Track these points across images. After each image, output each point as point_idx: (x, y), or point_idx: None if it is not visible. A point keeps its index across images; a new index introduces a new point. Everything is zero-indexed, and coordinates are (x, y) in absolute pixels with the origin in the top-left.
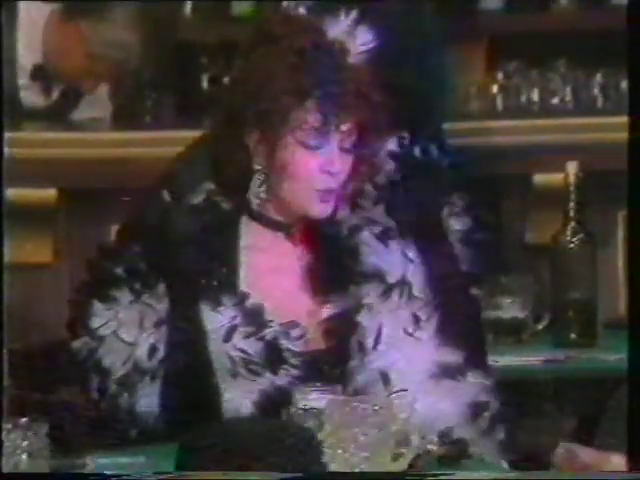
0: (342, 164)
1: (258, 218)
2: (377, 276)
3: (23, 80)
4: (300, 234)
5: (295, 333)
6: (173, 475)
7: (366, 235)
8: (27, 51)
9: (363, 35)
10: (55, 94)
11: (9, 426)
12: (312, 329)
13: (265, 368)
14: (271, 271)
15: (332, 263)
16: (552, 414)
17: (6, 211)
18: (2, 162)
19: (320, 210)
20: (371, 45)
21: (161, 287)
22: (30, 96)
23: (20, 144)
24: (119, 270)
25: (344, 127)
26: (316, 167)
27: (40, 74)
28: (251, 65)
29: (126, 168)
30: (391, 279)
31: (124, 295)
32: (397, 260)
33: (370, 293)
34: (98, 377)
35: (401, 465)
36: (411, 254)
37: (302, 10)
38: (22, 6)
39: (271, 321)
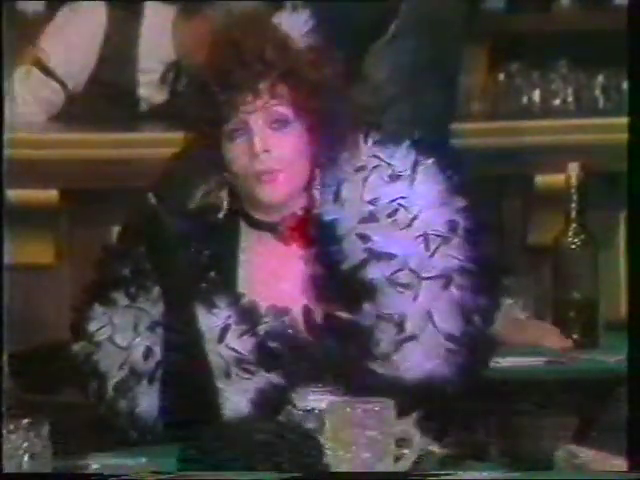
0: (273, 143)
1: (246, 219)
2: (392, 320)
3: (146, 79)
4: (289, 233)
5: (288, 331)
6: (174, 475)
7: (378, 275)
8: (154, 52)
9: (302, 18)
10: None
11: (11, 427)
12: (312, 333)
13: (258, 366)
14: (265, 273)
15: (343, 283)
16: (553, 415)
17: (7, 212)
18: (2, 163)
19: (266, 192)
20: (311, 25)
21: (155, 290)
22: (155, 95)
23: (21, 145)
24: (123, 271)
25: (258, 105)
26: (243, 151)
27: (172, 71)
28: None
29: (128, 169)
30: (409, 327)
31: (122, 298)
32: (418, 309)
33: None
34: (96, 381)
35: (403, 466)
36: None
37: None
38: (148, 9)
39: (265, 317)
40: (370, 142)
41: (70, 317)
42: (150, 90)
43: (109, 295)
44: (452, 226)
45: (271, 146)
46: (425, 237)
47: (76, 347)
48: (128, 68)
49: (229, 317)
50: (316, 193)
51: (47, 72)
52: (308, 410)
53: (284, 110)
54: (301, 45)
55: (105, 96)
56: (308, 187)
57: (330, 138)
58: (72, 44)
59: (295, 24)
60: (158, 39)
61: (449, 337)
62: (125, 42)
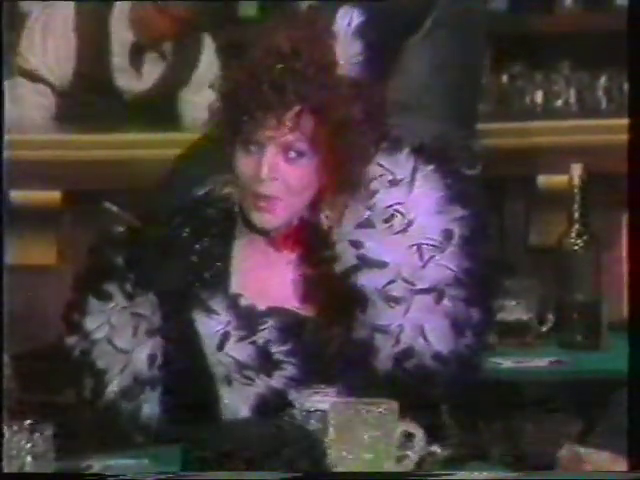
0: (281, 172)
1: (242, 221)
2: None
3: (121, 70)
4: (283, 239)
5: (286, 335)
6: (176, 476)
7: (369, 285)
8: (120, 35)
9: (357, 47)
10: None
11: (14, 428)
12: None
13: (258, 372)
14: (257, 278)
15: (334, 288)
16: (556, 416)
17: (10, 213)
18: (2, 164)
19: (260, 218)
20: (360, 57)
21: (153, 295)
22: (126, 78)
23: (24, 146)
24: (116, 261)
25: (277, 132)
26: (251, 168)
27: (136, 50)
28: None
29: (130, 170)
30: (404, 339)
31: (117, 294)
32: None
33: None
34: (92, 379)
35: (405, 466)
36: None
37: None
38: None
39: (263, 322)
40: (378, 152)
41: (63, 309)
42: (129, 81)
43: (101, 286)
44: (447, 235)
45: (278, 174)
46: (419, 247)
47: (71, 340)
48: (104, 61)
49: (229, 323)
50: (322, 216)
51: (33, 77)
52: (311, 411)
53: (302, 143)
54: (345, 74)
55: (89, 89)
56: (312, 206)
57: (344, 173)
58: (48, 43)
59: (349, 52)
60: (125, 33)
61: (437, 356)
62: (98, 37)
